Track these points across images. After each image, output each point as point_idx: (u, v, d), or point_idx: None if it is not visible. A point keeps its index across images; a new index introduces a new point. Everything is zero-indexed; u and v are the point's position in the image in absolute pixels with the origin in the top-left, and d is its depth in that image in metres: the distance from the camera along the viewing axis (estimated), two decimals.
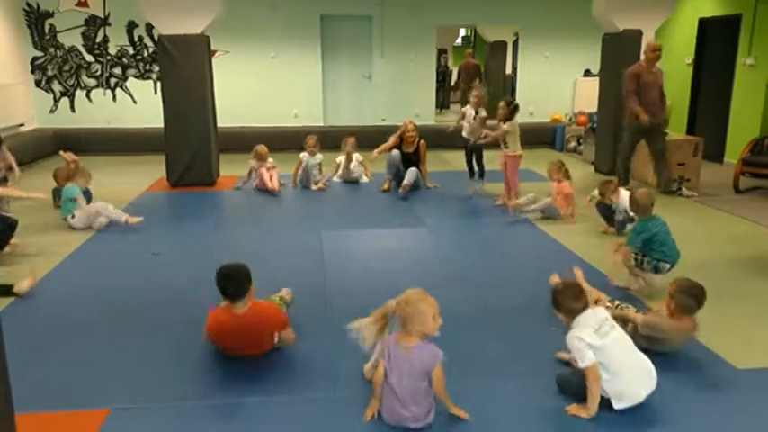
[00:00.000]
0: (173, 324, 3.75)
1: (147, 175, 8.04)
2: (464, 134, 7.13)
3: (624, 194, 5.42)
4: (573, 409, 2.76)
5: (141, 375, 3.16)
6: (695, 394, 2.99)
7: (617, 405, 2.72)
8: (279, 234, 5.61)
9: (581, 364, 2.70)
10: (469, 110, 7.10)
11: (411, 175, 6.89)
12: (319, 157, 7.40)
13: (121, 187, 7.11)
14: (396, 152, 7.18)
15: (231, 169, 8.20)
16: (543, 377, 3.11)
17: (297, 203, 6.94)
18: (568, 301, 2.81)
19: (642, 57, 7.09)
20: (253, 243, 5.33)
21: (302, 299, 4.03)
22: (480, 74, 14.12)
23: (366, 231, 5.76)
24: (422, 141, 7.29)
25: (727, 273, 4.63)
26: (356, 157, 7.61)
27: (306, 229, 5.81)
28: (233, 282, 3.09)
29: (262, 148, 7.26)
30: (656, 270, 4.06)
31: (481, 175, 7.13)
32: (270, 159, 7.25)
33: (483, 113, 6.99)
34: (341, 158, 7.67)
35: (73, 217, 5.67)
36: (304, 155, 7.35)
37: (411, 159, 7.20)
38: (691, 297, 3.17)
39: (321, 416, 2.81)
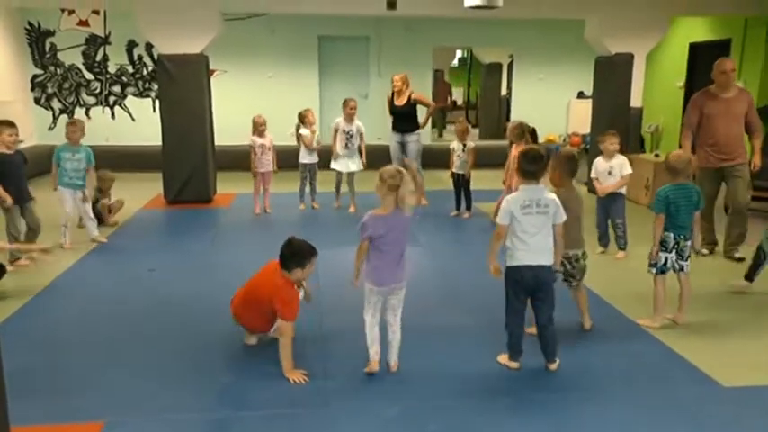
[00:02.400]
0: (168, 339, 3.79)
1: (145, 192, 8.10)
2: (454, 170, 7.00)
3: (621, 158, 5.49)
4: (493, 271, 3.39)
5: (136, 389, 3.19)
6: (681, 412, 3.03)
7: (508, 263, 3.27)
8: (275, 252, 5.63)
9: (497, 220, 3.30)
10: (456, 144, 6.97)
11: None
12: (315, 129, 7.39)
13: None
14: (394, 145, 7.30)
15: (228, 187, 8.27)
16: (538, 393, 3.17)
17: (292, 222, 6.98)
18: (525, 163, 3.28)
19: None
20: (248, 260, 5.34)
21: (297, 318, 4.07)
22: (450, 93, 15.33)
23: None
24: (414, 94, 7.37)
25: (720, 292, 4.69)
26: (358, 125, 7.32)
27: None
28: (283, 251, 3.45)
29: (258, 117, 7.06)
30: (662, 244, 3.90)
31: (468, 206, 7.08)
32: (268, 136, 7.08)
33: (471, 144, 6.96)
34: (338, 121, 7.35)
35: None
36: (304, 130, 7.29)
37: (405, 114, 7.30)
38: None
39: (315, 429, 2.85)
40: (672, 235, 3.92)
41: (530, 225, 3.21)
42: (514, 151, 6.12)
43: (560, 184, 3.73)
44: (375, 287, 3.25)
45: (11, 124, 5.18)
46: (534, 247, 3.23)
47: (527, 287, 3.28)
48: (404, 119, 7.41)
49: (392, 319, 3.35)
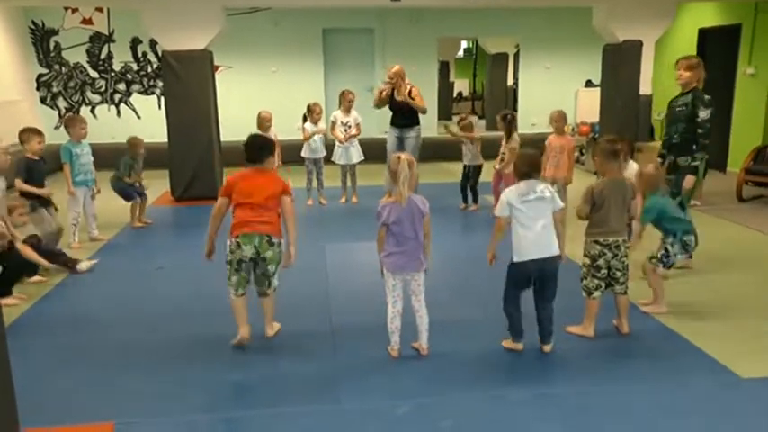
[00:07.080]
0: (177, 337, 3.77)
1: (152, 189, 8.07)
2: (465, 162, 6.99)
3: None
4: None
5: (146, 389, 3.17)
6: (698, 404, 2.99)
7: (515, 258, 3.35)
8: None
9: (496, 212, 3.44)
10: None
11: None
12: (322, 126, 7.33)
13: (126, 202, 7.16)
14: (392, 139, 7.13)
15: None
16: (544, 385, 3.13)
17: (299, 217, 6.94)
18: (521, 165, 3.40)
19: None
20: None
21: (306, 311, 4.06)
22: None
23: (369, 243, 5.75)
24: (414, 88, 7.10)
25: (732, 281, 4.63)
26: (354, 115, 7.32)
27: (309, 241, 5.82)
28: (251, 155, 3.63)
29: (265, 112, 7.00)
30: (685, 248, 4.07)
31: (475, 199, 7.05)
32: (272, 131, 6.90)
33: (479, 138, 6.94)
34: (336, 114, 7.40)
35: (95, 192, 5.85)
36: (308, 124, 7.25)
37: (405, 109, 7.04)
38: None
39: (327, 427, 2.82)
40: (692, 237, 4.10)
41: (531, 210, 3.31)
42: (560, 141, 6.19)
43: (602, 173, 3.68)
44: (389, 272, 3.35)
45: (39, 132, 5.19)
46: (539, 237, 3.31)
47: (530, 280, 3.39)
48: (403, 114, 7.16)
49: (417, 305, 3.42)
